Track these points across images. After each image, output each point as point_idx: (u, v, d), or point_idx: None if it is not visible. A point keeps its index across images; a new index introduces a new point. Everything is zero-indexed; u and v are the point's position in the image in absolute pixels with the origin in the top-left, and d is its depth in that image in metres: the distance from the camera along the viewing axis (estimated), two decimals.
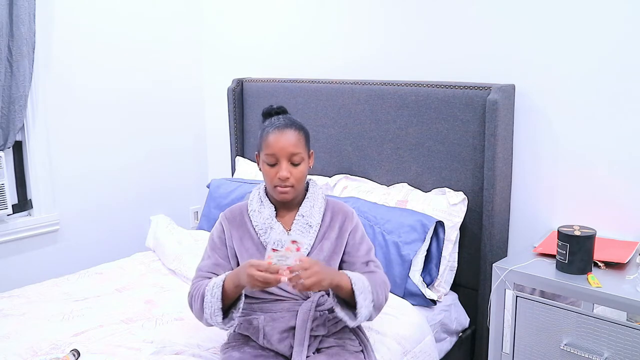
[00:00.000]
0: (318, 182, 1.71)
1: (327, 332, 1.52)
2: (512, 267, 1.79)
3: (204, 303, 1.43)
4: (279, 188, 1.49)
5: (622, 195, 1.94)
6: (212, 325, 1.49)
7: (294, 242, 1.34)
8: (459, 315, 2.13)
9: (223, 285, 1.42)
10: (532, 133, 2.10)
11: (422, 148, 2.27)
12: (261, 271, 1.31)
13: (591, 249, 1.72)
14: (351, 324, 1.44)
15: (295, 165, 1.49)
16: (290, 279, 1.31)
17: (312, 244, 1.53)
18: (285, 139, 1.48)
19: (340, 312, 1.43)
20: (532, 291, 1.78)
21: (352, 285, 1.40)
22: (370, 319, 1.47)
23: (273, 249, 1.33)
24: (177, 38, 3.16)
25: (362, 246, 1.57)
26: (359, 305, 1.40)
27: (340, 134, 2.53)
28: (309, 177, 1.62)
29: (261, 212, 1.55)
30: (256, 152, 1.58)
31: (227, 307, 1.46)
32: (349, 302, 1.44)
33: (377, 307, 1.47)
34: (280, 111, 1.57)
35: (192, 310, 1.52)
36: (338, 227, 1.56)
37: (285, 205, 1.57)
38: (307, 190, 1.60)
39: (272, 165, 1.49)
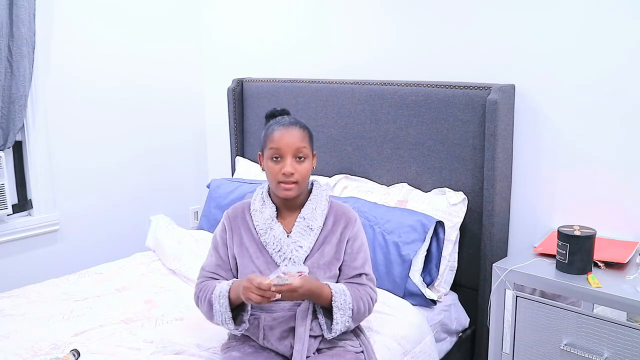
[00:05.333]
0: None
1: None
2: (512, 267, 1.79)
3: (214, 312, 1.48)
4: (282, 184, 1.49)
5: (622, 195, 1.94)
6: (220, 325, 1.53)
7: (300, 273, 1.36)
8: (459, 315, 2.13)
9: (229, 294, 1.46)
10: (532, 133, 2.10)
11: (422, 148, 2.26)
12: (256, 294, 1.35)
13: (591, 249, 1.72)
14: (326, 334, 1.48)
15: (300, 160, 1.49)
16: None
17: (311, 247, 1.53)
18: (291, 135, 1.49)
19: (321, 320, 1.48)
20: (532, 291, 1.78)
21: (331, 301, 1.44)
22: (347, 330, 1.52)
23: (278, 277, 1.35)
24: (176, 38, 3.16)
25: (359, 255, 1.56)
26: (334, 322, 1.45)
27: (340, 134, 2.53)
28: (313, 178, 1.62)
29: (262, 212, 1.56)
30: (259, 152, 1.58)
31: (236, 307, 1.50)
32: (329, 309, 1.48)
33: (355, 320, 1.50)
34: (284, 114, 1.59)
35: (199, 309, 1.56)
36: (340, 232, 1.56)
37: (287, 206, 1.57)
38: (311, 192, 1.60)
39: (277, 162, 1.49)
